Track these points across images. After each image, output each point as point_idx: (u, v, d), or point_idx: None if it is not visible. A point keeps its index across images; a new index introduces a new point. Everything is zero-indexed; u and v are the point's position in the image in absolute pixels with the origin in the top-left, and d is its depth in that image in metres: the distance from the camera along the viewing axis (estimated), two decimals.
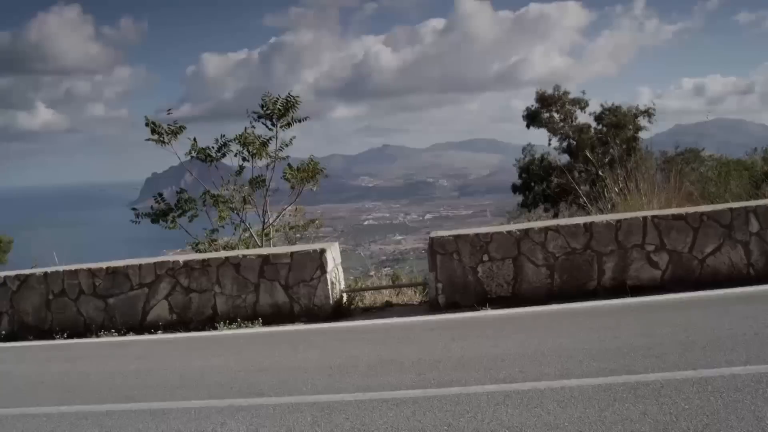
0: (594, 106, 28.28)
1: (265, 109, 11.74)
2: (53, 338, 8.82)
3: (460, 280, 8.22)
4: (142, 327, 8.79)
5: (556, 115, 28.27)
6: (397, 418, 4.54)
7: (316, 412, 4.81)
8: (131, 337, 8.52)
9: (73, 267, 9.26)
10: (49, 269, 9.31)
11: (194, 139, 11.87)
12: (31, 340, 8.86)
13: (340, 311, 8.63)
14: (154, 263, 8.90)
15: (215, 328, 8.40)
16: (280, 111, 11.66)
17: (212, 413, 5.04)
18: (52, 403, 5.74)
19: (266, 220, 12.07)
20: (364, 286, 9.83)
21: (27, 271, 9.38)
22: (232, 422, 4.81)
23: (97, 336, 8.71)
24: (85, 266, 9.16)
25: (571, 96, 28.24)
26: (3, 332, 9.07)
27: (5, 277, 9.29)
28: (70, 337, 8.80)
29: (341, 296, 8.85)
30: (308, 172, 11.89)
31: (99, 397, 5.79)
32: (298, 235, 12.61)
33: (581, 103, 28.29)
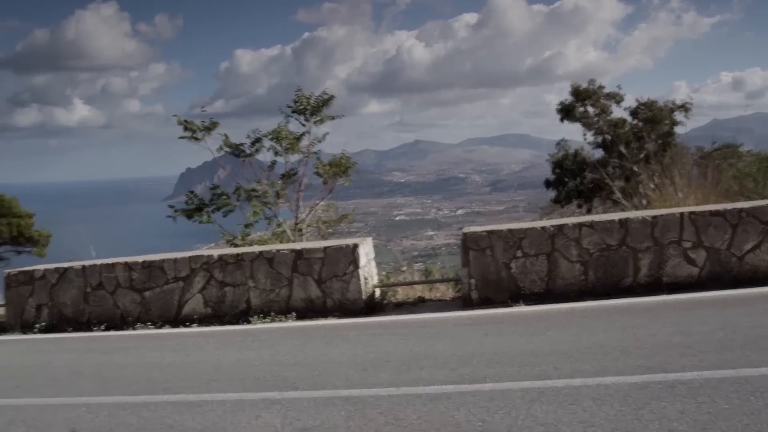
0: (629, 101, 27.81)
1: (297, 104, 11.81)
2: (91, 330, 8.99)
3: (493, 276, 8.17)
4: (177, 320, 8.92)
5: (590, 110, 27.87)
6: (431, 413, 4.53)
7: (350, 406, 4.83)
8: (167, 330, 8.64)
9: (110, 261, 9.42)
10: (86, 263, 9.47)
11: (225, 135, 11.99)
12: (69, 331, 9.05)
13: (372, 306, 8.65)
14: (189, 257, 9.00)
15: (249, 322, 8.48)
16: (314, 107, 11.73)
17: (247, 406, 5.09)
18: (90, 393, 5.85)
19: (299, 215, 12.14)
20: (396, 281, 9.82)
21: (65, 265, 9.55)
22: (267, 415, 4.85)
23: (134, 328, 8.86)
24: (121, 260, 9.31)
25: (606, 90, 27.82)
26: (43, 324, 9.26)
27: (45, 271, 9.48)
28: (107, 329, 8.95)
29: (374, 291, 8.86)
30: (340, 166, 11.94)
31: (136, 388, 5.88)
32: (330, 230, 12.65)
33: (616, 98, 27.84)
